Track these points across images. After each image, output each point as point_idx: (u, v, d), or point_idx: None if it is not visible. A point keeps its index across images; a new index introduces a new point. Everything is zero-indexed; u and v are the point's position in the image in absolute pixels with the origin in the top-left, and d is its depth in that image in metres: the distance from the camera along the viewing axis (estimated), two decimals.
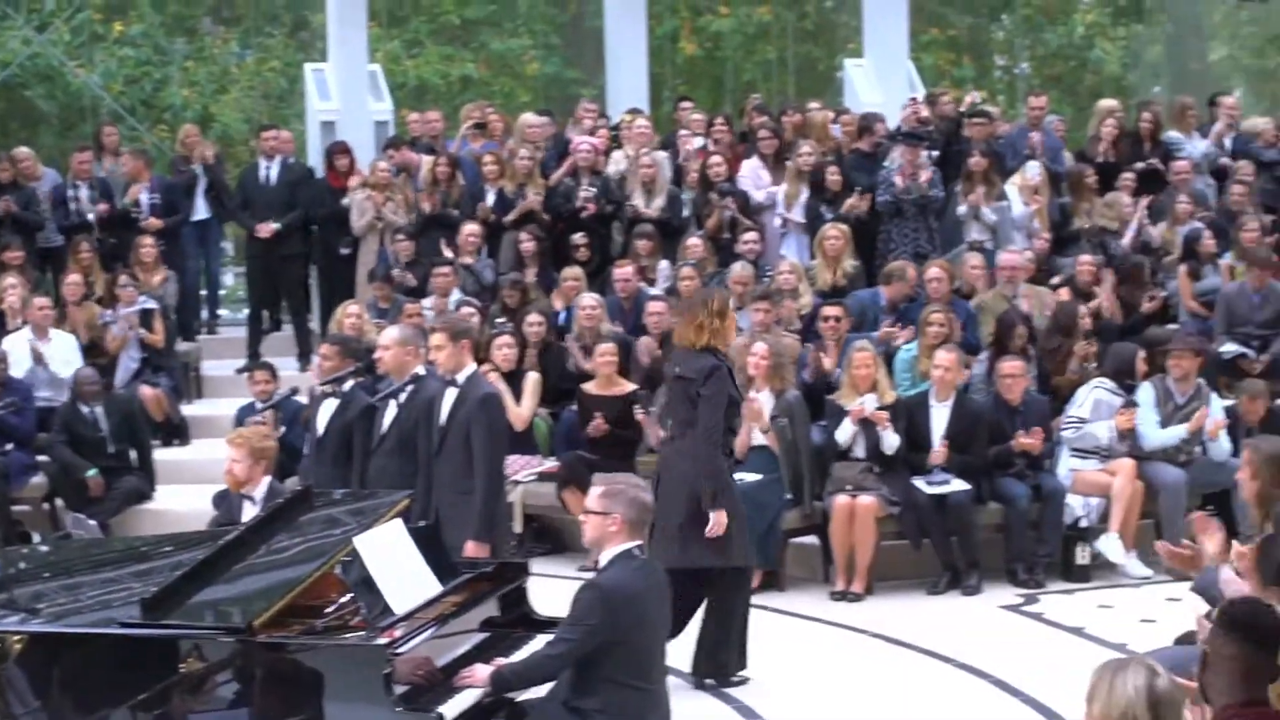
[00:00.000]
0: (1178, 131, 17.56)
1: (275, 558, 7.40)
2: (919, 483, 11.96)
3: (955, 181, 15.87)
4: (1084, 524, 12.34)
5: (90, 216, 16.46)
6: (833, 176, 15.94)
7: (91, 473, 13.53)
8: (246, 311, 17.70)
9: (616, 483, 7.09)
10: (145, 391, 14.74)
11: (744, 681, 9.78)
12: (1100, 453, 12.44)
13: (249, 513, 8.86)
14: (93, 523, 12.97)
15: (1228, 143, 17.54)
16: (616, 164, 16.67)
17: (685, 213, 16.13)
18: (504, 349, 13.36)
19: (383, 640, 6.72)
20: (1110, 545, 12.19)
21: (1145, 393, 12.66)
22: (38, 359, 14.32)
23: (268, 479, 9.18)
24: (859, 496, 11.88)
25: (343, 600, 7.12)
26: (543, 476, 13.08)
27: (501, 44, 29.18)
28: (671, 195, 16.11)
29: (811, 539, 12.40)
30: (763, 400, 12.15)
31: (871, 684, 9.89)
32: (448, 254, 15.59)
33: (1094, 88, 29.15)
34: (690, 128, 17.61)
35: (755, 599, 10.40)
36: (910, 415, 12.23)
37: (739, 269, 14.49)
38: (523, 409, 13.24)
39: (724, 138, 17.11)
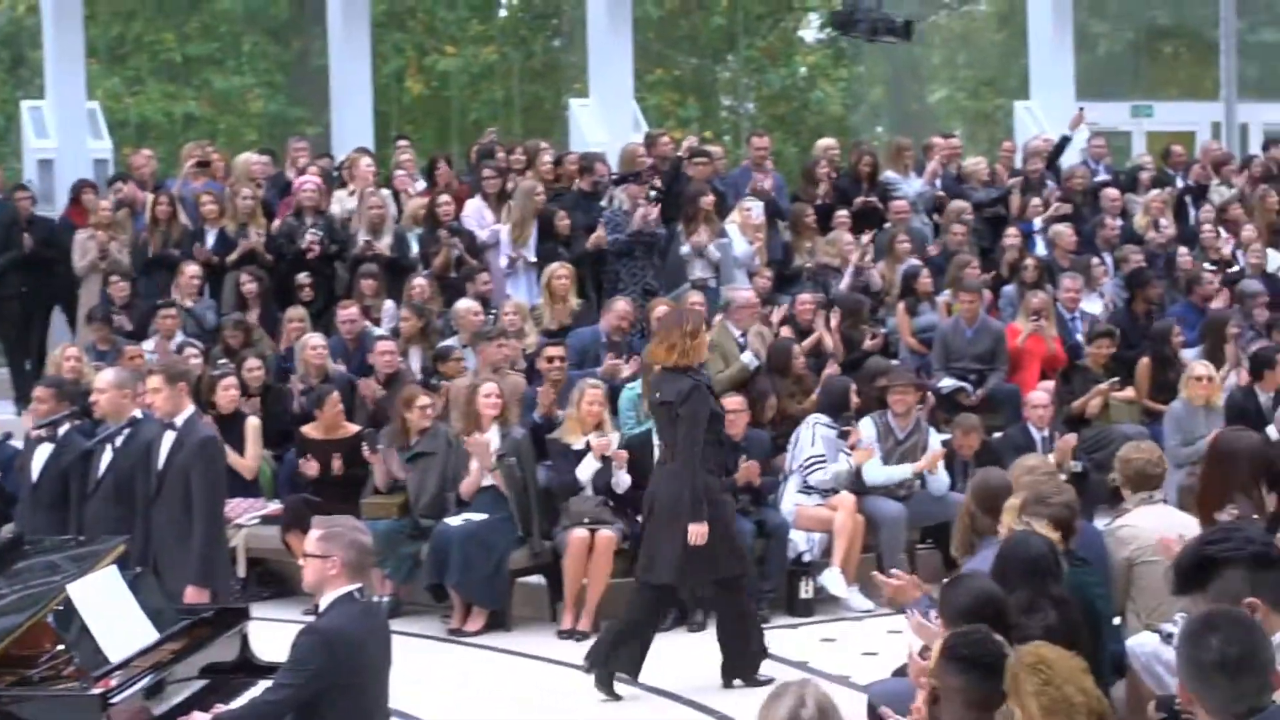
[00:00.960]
0: (894, 171, 17.95)
1: None
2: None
3: (676, 221, 16.00)
4: (807, 559, 12.49)
5: None
6: (562, 221, 15.97)
7: None
8: None
9: (335, 525, 7.01)
10: None
11: (770, 680, 9.92)
12: (821, 489, 12.64)
13: None
14: None
15: (938, 183, 17.99)
16: (341, 203, 16.53)
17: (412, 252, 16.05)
18: (228, 390, 13.17)
19: (97, 690, 6.58)
20: (833, 579, 12.35)
21: (866, 428, 12.86)
22: None
23: None
24: (598, 530, 11.89)
25: (57, 649, 6.94)
26: (266, 520, 12.89)
27: (224, 82, 28.80)
28: (398, 234, 16.02)
29: (538, 579, 12.38)
30: (490, 439, 12.12)
31: None
32: (175, 296, 15.29)
33: (816, 128, 29.66)
34: (404, 168, 17.55)
35: (480, 640, 10.41)
36: (636, 455, 12.25)
37: (464, 307, 14.44)
38: (248, 458, 13.06)
39: (446, 178, 17.08)
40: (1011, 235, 16.90)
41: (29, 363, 16.60)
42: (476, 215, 16.25)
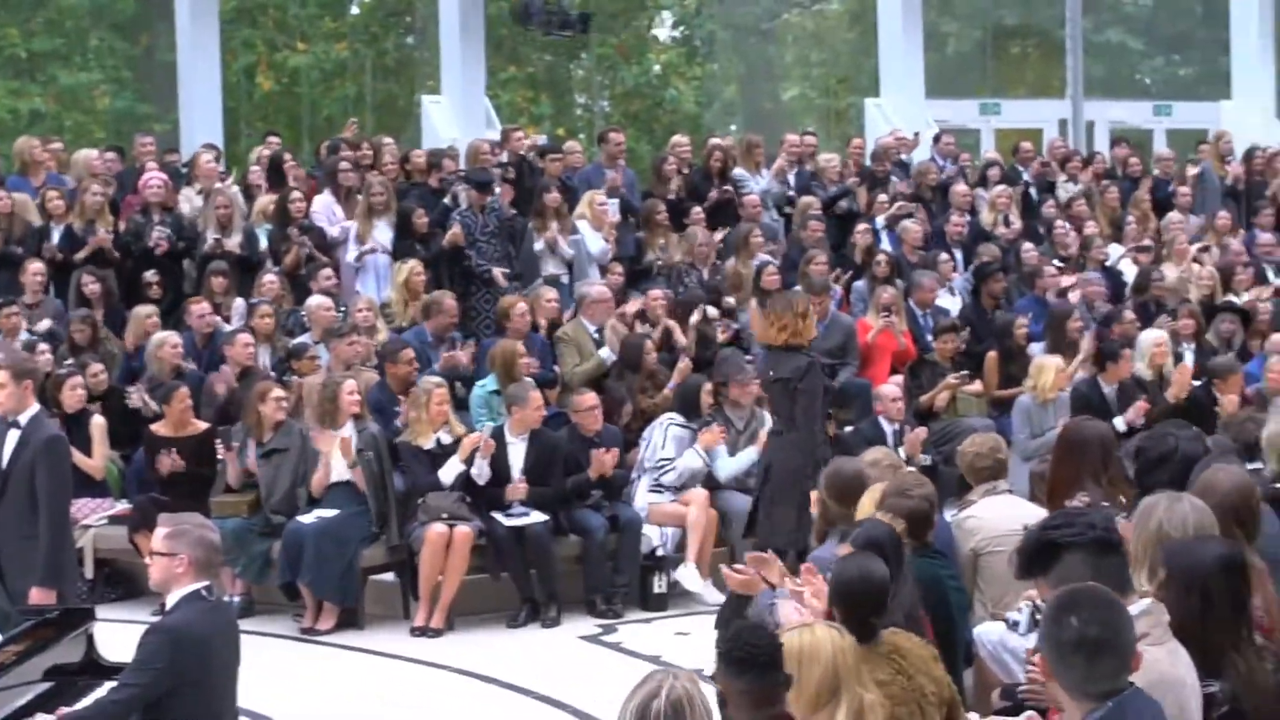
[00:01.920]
0: (745, 169, 18.04)
1: None
2: (498, 516, 12.00)
3: (529, 217, 15.99)
4: (661, 553, 12.51)
5: None
6: (420, 219, 15.88)
7: None
8: None
9: (182, 523, 6.94)
10: None
11: None
12: (672, 488, 12.69)
13: None
14: None
15: (791, 179, 18.12)
16: (190, 200, 16.35)
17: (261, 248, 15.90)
18: (75, 390, 12.97)
19: None
20: (687, 574, 12.40)
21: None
22: None
23: None
24: (456, 526, 11.85)
25: None
26: (114, 520, 12.72)
27: (71, 78, 28.43)
28: (247, 231, 15.86)
29: (391, 576, 12.32)
30: (347, 434, 12.07)
31: None
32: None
33: (670, 125, 29.76)
34: (261, 164, 17.39)
35: (332, 638, 10.33)
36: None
37: (316, 303, 14.33)
38: (95, 459, 12.87)
39: (295, 173, 16.96)
40: (861, 231, 17.05)
41: None
42: (326, 211, 16.12)
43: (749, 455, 12.84)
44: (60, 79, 28.53)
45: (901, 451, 12.52)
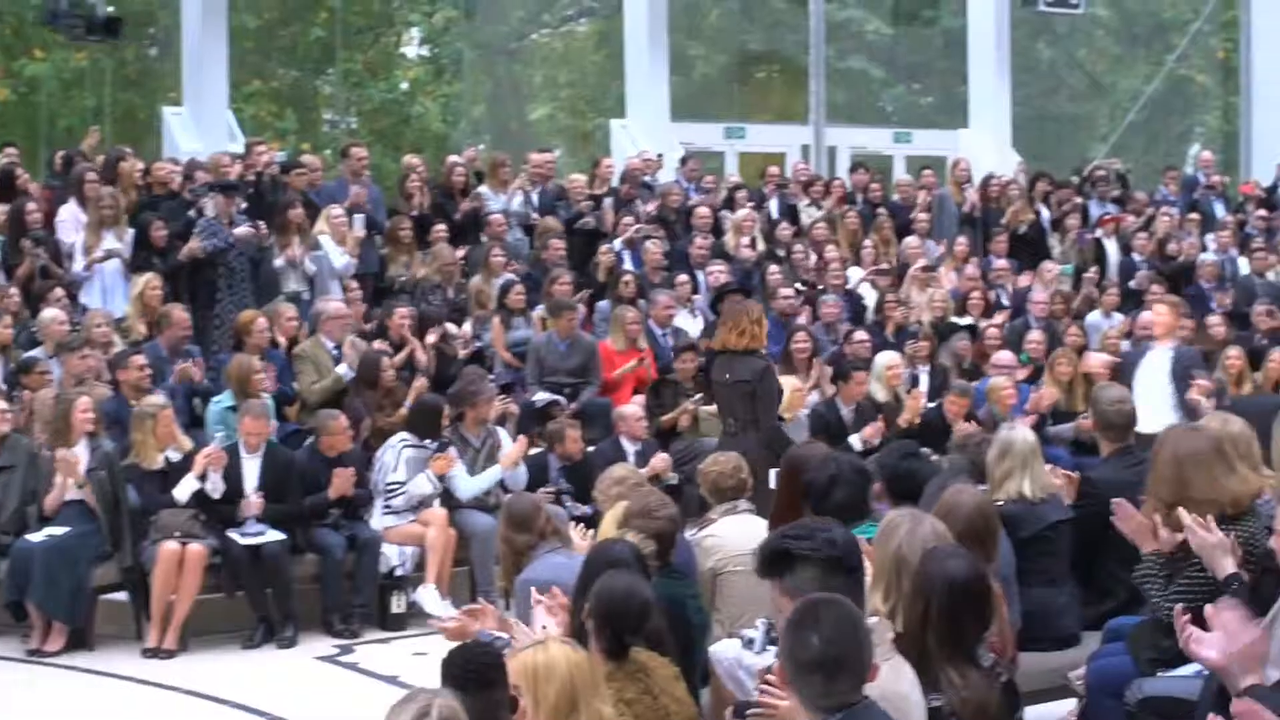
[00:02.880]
0: (489, 187, 18.04)
1: None
2: (233, 534, 11.82)
3: (271, 233, 15.80)
4: (399, 573, 12.42)
5: None
6: (158, 231, 15.58)
7: None
8: None
9: None
10: None
11: None
12: (407, 508, 12.61)
13: None
14: None
15: (535, 199, 18.17)
16: None
17: None
18: None
19: None
20: (427, 596, 12.31)
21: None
22: None
23: None
24: (189, 544, 11.63)
25: None
26: None
27: None
28: None
29: (122, 595, 12.06)
30: (79, 453, 11.79)
31: None
32: None
33: (417, 143, 29.65)
34: None
35: (61, 659, 10.08)
36: (224, 466, 12.04)
37: (49, 317, 13.99)
38: None
39: (26, 185, 16.58)
40: (604, 251, 17.14)
41: None
42: (73, 221, 15.73)
43: (492, 474, 12.80)
44: None
45: (645, 472, 12.56)
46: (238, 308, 14.91)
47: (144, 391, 12.70)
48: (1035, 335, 16.40)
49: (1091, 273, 18.97)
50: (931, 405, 14.48)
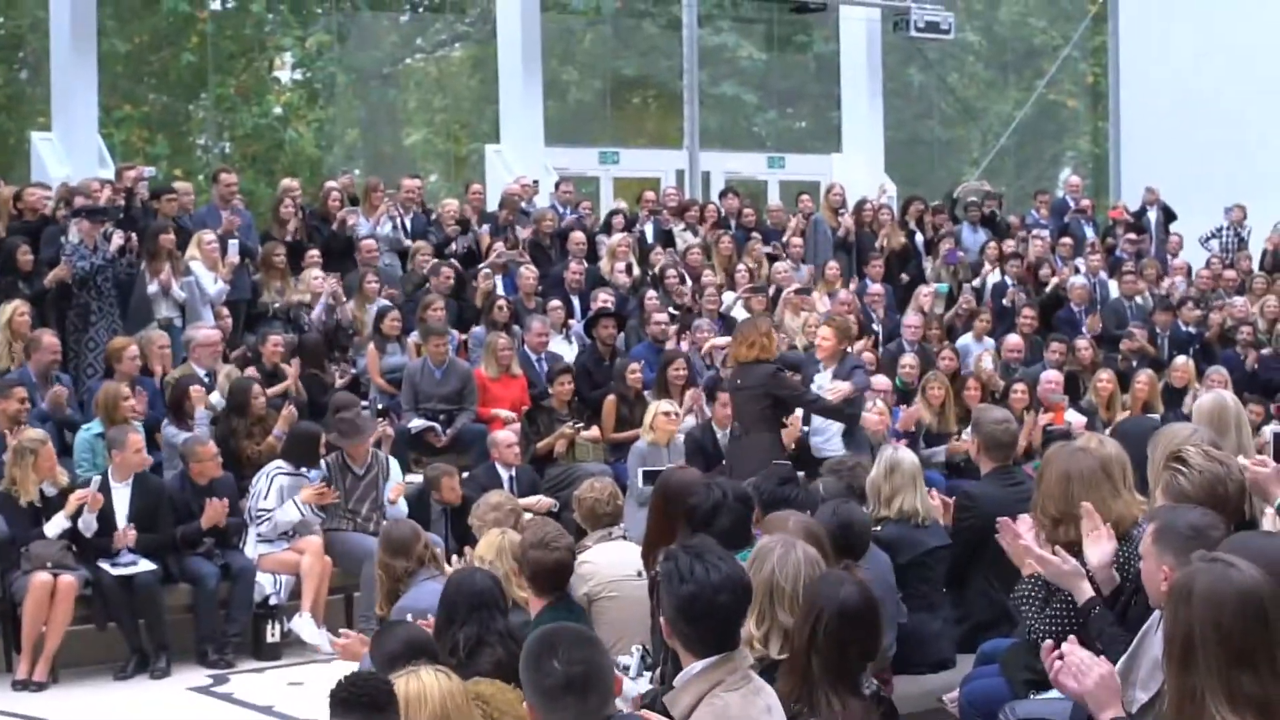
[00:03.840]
0: (363, 213, 17.98)
1: None
2: (105, 565, 11.68)
3: (142, 259, 15.63)
4: (274, 601, 12.32)
5: None
6: (24, 256, 15.38)
7: None
8: None
9: None
10: None
11: None
12: (281, 535, 12.51)
13: None
14: None
15: (408, 224, 18.12)
16: None
17: None
18: None
19: None
20: (303, 625, 12.21)
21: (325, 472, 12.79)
22: None
23: None
24: (60, 574, 11.45)
25: None
26: None
27: None
28: None
29: None
30: None
31: None
32: None
33: (291, 168, 29.44)
34: None
35: None
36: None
37: None
38: None
39: None
40: (483, 277, 17.10)
41: None
42: None
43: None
44: None
45: (525, 500, 12.53)
46: (110, 333, 14.73)
47: (20, 423, 12.51)
48: (908, 359, 16.53)
49: (967, 294, 19.17)
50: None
